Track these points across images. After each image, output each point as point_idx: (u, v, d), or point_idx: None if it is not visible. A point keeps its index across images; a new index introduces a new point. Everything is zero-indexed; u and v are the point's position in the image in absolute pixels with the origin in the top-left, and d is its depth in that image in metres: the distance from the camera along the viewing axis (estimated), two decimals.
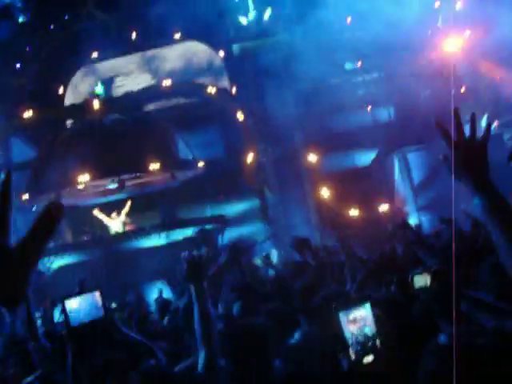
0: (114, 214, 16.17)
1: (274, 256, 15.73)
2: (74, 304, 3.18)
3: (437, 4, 16.71)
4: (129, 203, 16.09)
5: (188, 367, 3.40)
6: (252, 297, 5.06)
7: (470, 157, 1.72)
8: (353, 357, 1.73)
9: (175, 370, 3.31)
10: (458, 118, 1.76)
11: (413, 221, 15.12)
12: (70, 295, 3.23)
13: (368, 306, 1.76)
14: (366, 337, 1.73)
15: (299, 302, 4.76)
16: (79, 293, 3.29)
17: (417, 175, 16.38)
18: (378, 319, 1.79)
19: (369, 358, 1.71)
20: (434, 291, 3.30)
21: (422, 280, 3.49)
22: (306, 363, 2.98)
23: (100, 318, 3.24)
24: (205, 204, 16.40)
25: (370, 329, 1.76)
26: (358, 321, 1.75)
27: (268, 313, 4.58)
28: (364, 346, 1.73)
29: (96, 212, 16.23)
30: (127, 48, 19.38)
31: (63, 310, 3.17)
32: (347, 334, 1.75)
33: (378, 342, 1.75)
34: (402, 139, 16.12)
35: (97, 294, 3.28)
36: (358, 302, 1.77)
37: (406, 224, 6.14)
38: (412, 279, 3.53)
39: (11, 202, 0.96)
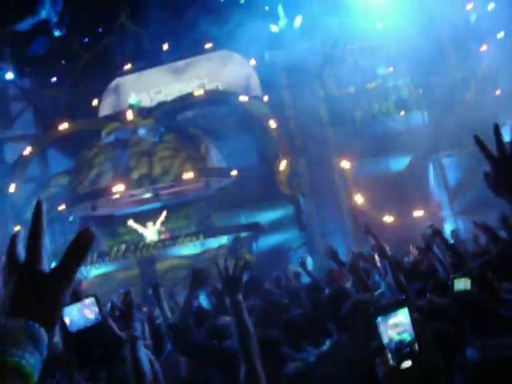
0: (149, 223, 16.34)
1: (309, 263, 15.68)
2: (71, 311, 3.24)
3: (469, 6, 16.55)
4: (164, 213, 16.25)
5: None
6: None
7: (509, 175, 1.70)
8: (390, 362, 1.72)
9: None
10: (499, 133, 1.73)
11: (449, 226, 14.94)
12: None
13: (406, 310, 1.74)
14: (404, 342, 1.71)
15: (328, 309, 4.73)
16: (76, 300, 3.38)
17: (452, 180, 16.17)
18: (415, 324, 1.77)
19: (407, 364, 1.70)
20: (474, 295, 3.27)
21: (461, 283, 3.46)
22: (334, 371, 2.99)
23: (98, 323, 3.30)
24: (239, 212, 16.46)
25: (408, 334, 1.74)
26: (396, 326, 1.73)
27: (294, 321, 4.59)
28: (402, 352, 1.71)
29: (131, 222, 16.43)
30: (160, 59, 19.62)
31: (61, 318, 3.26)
32: (385, 340, 1.73)
33: (416, 347, 1.73)
34: (437, 144, 15.95)
35: (92, 299, 3.34)
36: (395, 307, 1.75)
37: (437, 231, 6.09)
38: (452, 282, 3.51)
39: (43, 230, 1.02)
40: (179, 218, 16.73)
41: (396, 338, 1.67)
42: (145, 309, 9.48)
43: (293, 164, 15.85)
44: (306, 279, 9.44)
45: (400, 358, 1.66)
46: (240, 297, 3.08)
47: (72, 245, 1.00)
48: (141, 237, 16.39)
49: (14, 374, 0.88)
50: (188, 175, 15.04)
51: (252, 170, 15.95)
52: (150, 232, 16.33)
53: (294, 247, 15.69)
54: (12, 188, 16.66)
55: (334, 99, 16.86)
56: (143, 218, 16.75)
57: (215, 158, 16.22)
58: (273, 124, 16.08)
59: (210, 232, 15.97)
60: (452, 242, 9.96)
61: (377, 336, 1.67)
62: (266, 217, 16.11)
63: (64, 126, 17.37)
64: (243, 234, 15.54)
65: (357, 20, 16.57)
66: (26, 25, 19.74)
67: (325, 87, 17.05)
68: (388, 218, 15.08)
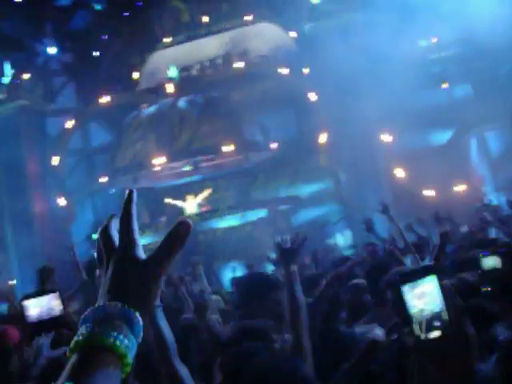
0: (189, 196, 16.47)
1: (348, 237, 15.65)
2: (32, 303, 3.31)
3: None
4: (209, 190, 16.35)
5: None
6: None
7: None
8: (418, 333, 1.67)
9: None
10: None
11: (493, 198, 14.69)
12: (28, 295, 3.38)
13: (435, 278, 1.68)
14: (433, 311, 1.66)
15: (367, 283, 4.70)
16: (38, 293, 3.42)
17: (495, 154, 15.86)
18: (445, 292, 1.71)
19: (435, 334, 1.64)
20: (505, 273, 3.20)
21: (490, 261, 3.37)
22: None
23: (59, 315, 3.34)
24: (278, 185, 16.47)
25: (436, 303, 1.68)
26: (424, 294, 1.67)
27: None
28: (430, 321, 1.66)
29: (167, 200, 16.54)
30: (199, 32, 19.60)
31: (21, 308, 3.30)
32: (412, 309, 1.68)
33: (445, 317, 1.68)
34: (480, 118, 15.63)
35: (56, 294, 3.39)
36: (423, 274, 1.69)
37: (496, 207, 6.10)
38: (479, 260, 3.43)
39: (135, 217, 1.06)
40: (218, 190, 16.83)
41: (423, 307, 1.61)
42: (188, 278, 9.63)
43: (332, 137, 15.72)
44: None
45: (428, 329, 1.60)
46: (294, 268, 3.10)
47: (170, 234, 1.04)
48: (181, 209, 16.55)
49: (111, 355, 0.93)
50: (228, 148, 15.08)
51: (291, 143, 15.89)
52: (190, 205, 16.46)
53: (333, 221, 15.65)
54: (55, 161, 16.96)
55: (374, 70, 16.60)
56: (183, 190, 16.90)
57: (255, 131, 16.21)
58: (313, 97, 15.96)
59: (249, 205, 16.03)
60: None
61: (403, 305, 1.62)
62: (305, 190, 16.08)
63: (105, 99, 17.56)
64: (282, 207, 15.54)
65: None
66: (66, 0, 19.93)
67: (365, 57, 16.78)
68: (428, 192, 14.88)
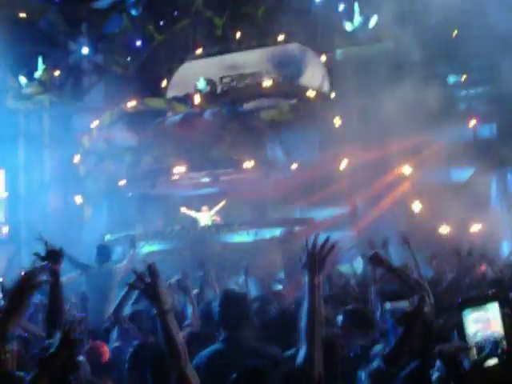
0: (204, 207, 16.50)
1: (360, 265, 15.55)
2: None
3: None
4: (223, 202, 16.36)
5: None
6: None
7: None
8: (475, 357, 1.67)
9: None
10: None
11: (507, 244, 14.59)
12: None
13: (496, 305, 1.68)
14: (491, 338, 1.65)
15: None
16: None
17: None
18: (505, 321, 1.71)
19: (492, 361, 1.64)
20: None
21: None
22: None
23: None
24: (294, 205, 16.46)
25: (496, 330, 1.68)
26: (484, 320, 1.67)
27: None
28: (488, 348, 1.66)
29: (183, 209, 16.57)
30: (231, 46, 19.78)
31: None
32: (470, 333, 1.69)
33: (503, 344, 1.67)
34: (503, 158, 15.58)
35: None
36: (485, 301, 1.70)
37: None
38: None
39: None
40: (234, 205, 16.85)
41: (482, 333, 1.61)
42: (195, 291, 9.61)
43: (353, 164, 15.72)
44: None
45: (485, 355, 1.61)
46: (320, 279, 3.02)
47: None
48: (195, 220, 16.58)
49: None
50: (248, 164, 15.12)
51: (312, 165, 15.89)
52: (204, 216, 16.48)
53: (346, 248, 15.58)
54: (76, 159, 17.10)
55: (401, 102, 16.62)
56: (199, 201, 16.93)
57: (276, 150, 16.25)
58: (337, 122, 16.00)
59: (264, 222, 16.03)
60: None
61: (462, 329, 1.63)
62: (321, 214, 16.04)
63: (132, 103, 17.72)
64: (297, 228, 15.52)
65: (434, 25, 16.34)
66: (103, 3, 20.23)
67: (393, 88, 16.82)
68: (444, 229, 14.80)
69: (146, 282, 2.90)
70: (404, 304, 3.18)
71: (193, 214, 16.59)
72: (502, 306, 1.68)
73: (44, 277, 3.45)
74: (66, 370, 2.84)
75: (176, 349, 2.83)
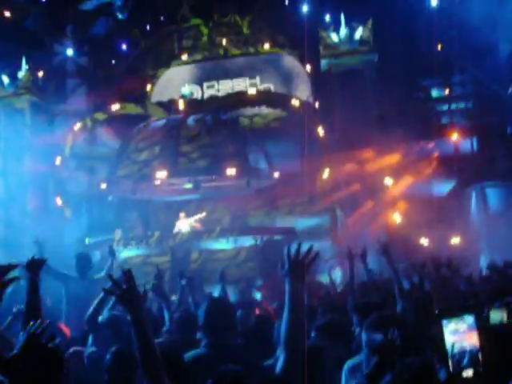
0: (182, 214, 16.41)
1: (338, 275, 15.59)
2: None
3: None
4: (204, 213, 16.29)
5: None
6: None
7: None
8: (451, 368, 1.68)
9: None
10: None
11: (484, 257, 14.70)
12: None
13: (472, 318, 1.70)
14: (467, 350, 1.67)
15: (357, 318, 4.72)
16: None
17: (493, 211, 15.90)
18: (481, 333, 1.72)
19: (469, 373, 1.65)
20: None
21: (498, 315, 3.36)
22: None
23: None
24: (275, 214, 16.47)
25: (472, 342, 1.69)
26: (460, 332, 1.69)
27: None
28: (464, 359, 1.67)
29: (182, 215, 16.35)
30: (216, 53, 19.82)
31: None
32: (447, 344, 1.70)
33: (479, 357, 1.68)
34: (483, 173, 15.74)
35: None
36: (461, 313, 1.71)
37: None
38: (488, 314, 3.41)
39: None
40: (215, 212, 16.82)
41: (459, 344, 1.62)
42: (174, 297, 9.53)
43: (334, 174, 15.79)
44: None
45: (462, 366, 1.61)
46: (302, 286, 2.97)
47: None
48: (175, 226, 16.50)
49: None
50: (231, 171, 15.11)
51: (293, 174, 15.93)
52: (184, 223, 16.40)
53: (325, 258, 15.60)
54: (58, 161, 16.96)
55: (384, 114, 16.76)
56: (180, 207, 16.87)
57: (259, 158, 16.27)
58: (320, 132, 16.07)
59: (244, 230, 16.00)
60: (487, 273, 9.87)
61: (439, 339, 1.64)
62: (301, 223, 16.06)
63: (115, 106, 17.64)
64: (276, 237, 15.53)
65: (418, 38, 16.53)
66: (90, 5, 20.15)
67: (376, 102, 16.95)
68: (424, 241, 14.92)
69: (122, 288, 2.86)
70: (379, 337, 3.18)
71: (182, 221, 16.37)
72: (477, 319, 1.69)
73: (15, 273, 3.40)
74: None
75: (151, 355, 2.80)
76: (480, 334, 1.68)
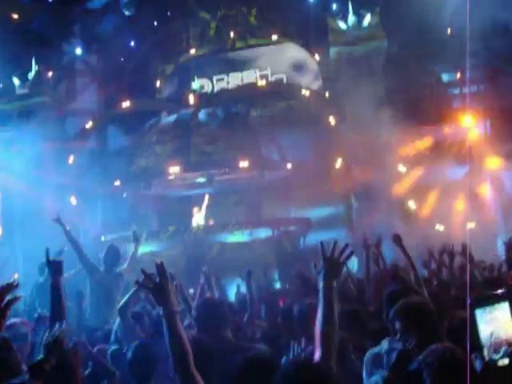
0: (196, 208, 16.45)
1: (355, 264, 15.57)
2: None
3: None
4: (207, 196, 16.20)
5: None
6: None
7: None
8: (487, 358, 1.65)
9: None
10: None
11: (501, 242, 14.59)
12: None
13: (507, 305, 1.67)
14: (503, 338, 1.64)
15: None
16: None
17: (508, 194, 15.80)
18: None
19: (505, 361, 1.62)
20: None
21: None
22: None
23: None
24: (289, 205, 16.45)
25: (507, 330, 1.66)
26: (495, 320, 1.66)
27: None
28: (500, 348, 1.65)
29: (196, 209, 16.37)
30: (225, 46, 19.77)
31: None
32: (482, 334, 1.67)
33: None
34: (498, 156, 15.61)
35: None
36: (496, 300, 1.68)
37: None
38: None
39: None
40: (229, 205, 16.83)
41: (494, 333, 1.60)
42: (191, 290, 9.55)
43: (348, 163, 15.73)
44: None
45: (497, 355, 1.58)
46: (335, 284, 3.01)
47: None
48: (190, 220, 16.53)
49: None
50: (244, 164, 15.12)
51: (307, 165, 15.89)
52: (198, 216, 16.43)
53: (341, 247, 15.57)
54: (71, 159, 17.05)
55: (396, 101, 16.65)
56: (193, 202, 16.90)
57: (272, 150, 16.25)
58: (332, 121, 16.01)
59: (259, 222, 16.00)
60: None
61: (475, 329, 1.61)
62: (316, 213, 16.02)
63: (126, 103, 17.69)
64: (292, 228, 15.52)
65: (427, 23, 16.37)
66: (97, 3, 20.16)
67: (387, 88, 16.85)
68: (440, 227, 14.85)
69: (155, 282, 2.88)
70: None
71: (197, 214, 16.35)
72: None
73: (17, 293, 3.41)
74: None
75: (184, 350, 2.82)
76: None
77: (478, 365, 1.70)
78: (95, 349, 5.03)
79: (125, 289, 7.50)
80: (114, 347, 5.30)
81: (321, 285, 3.02)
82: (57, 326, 3.07)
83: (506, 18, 14.33)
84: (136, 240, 8.68)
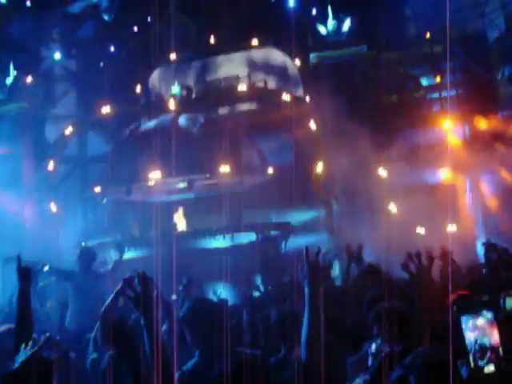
0: (176, 214, 16.35)
1: (336, 268, 15.60)
2: None
3: None
4: (181, 208, 16.13)
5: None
6: None
7: None
8: (472, 365, 1.65)
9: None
10: None
11: (480, 244, 14.72)
12: None
13: (491, 313, 1.66)
14: (488, 345, 1.63)
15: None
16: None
17: (488, 198, 15.95)
18: (502, 328, 1.68)
19: (490, 368, 1.62)
20: None
21: None
22: None
23: None
24: (270, 210, 16.41)
25: (492, 338, 1.66)
26: (480, 327, 1.65)
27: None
28: (485, 355, 1.64)
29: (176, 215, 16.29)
30: (205, 51, 19.72)
31: None
32: (468, 340, 1.66)
33: (500, 352, 1.65)
34: (477, 160, 15.78)
35: None
36: (481, 307, 1.67)
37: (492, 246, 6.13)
38: (504, 300, 3.34)
39: None
40: (211, 210, 16.75)
41: (478, 339, 1.59)
42: (174, 296, 9.49)
43: (328, 167, 15.78)
44: None
45: (483, 362, 1.58)
46: (321, 288, 3.04)
47: None
48: (171, 226, 16.42)
49: None
50: (225, 169, 15.07)
51: (287, 169, 15.89)
52: (179, 222, 16.34)
53: (323, 251, 15.57)
54: (50, 166, 16.90)
55: (375, 106, 16.77)
56: (174, 207, 16.80)
57: (252, 155, 16.23)
58: (313, 125, 16.04)
59: (240, 227, 15.95)
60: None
61: (460, 336, 1.60)
62: (297, 217, 16.04)
63: (106, 109, 17.56)
64: (273, 233, 15.50)
65: (406, 27, 16.53)
66: (76, 8, 20.06)
67: (367, 94, 16.96)
68: (421, 230, 14.93)
69: (137, 292, 2.82)
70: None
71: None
72: (498, 314, 1.65)
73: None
74: None
75: (165, 357, 2.81)
76: (500, 329, 1.64)
77: (464, 372, 1.68)
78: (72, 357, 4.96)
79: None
80: (93, 356, 5.24)
81: (305, 291, 3.06)
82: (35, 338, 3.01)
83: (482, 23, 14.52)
84: (121, 251, 8.71)
